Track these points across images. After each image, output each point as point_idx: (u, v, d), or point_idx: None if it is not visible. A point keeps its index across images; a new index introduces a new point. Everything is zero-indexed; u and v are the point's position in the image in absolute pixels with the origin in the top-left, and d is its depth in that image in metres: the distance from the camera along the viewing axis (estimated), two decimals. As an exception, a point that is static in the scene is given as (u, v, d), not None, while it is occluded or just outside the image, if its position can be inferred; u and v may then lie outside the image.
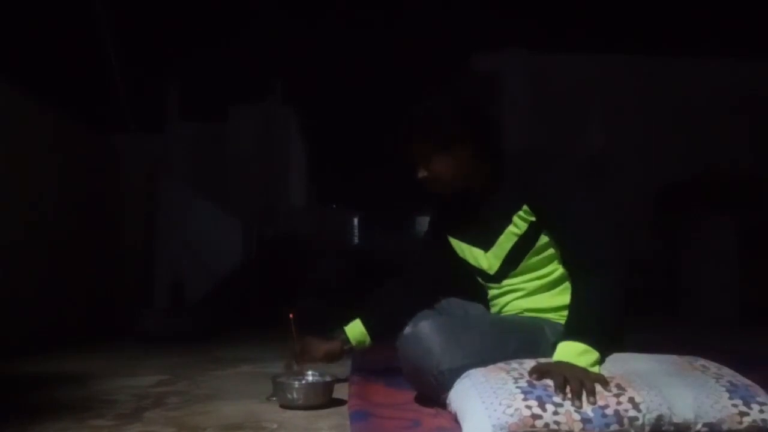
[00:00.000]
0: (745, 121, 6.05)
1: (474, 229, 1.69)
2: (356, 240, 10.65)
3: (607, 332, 1.37)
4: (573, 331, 1.38)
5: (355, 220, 10.84)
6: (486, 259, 1.68)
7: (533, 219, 1.55)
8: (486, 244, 1.67)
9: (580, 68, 6.21)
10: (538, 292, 1.62)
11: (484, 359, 1.41)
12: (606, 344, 1.36)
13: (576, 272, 1.49)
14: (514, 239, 1.59)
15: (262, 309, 4.75)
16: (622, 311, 1.42)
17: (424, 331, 1.48)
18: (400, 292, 1.89)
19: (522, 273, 1.63)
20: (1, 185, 3.02)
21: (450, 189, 1.63)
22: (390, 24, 8.11)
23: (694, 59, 6.28)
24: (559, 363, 1.31)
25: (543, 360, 1.37)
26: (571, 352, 1.33)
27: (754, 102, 6.00)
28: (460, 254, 1.76)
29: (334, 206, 10.58)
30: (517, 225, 1.57)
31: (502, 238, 1.61)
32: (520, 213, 1.56)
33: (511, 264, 1.62)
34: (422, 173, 1.62)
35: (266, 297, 5.11)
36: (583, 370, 1.27)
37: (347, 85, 8.95)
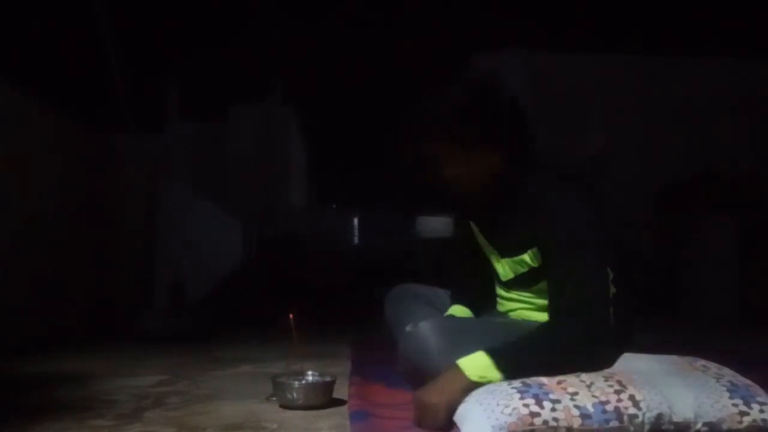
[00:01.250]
0: (745, 121, 6.05)
1: (492, 230, 1.62)
2: (356, 240, 10.66)
3: (526, 371, 1.31)
4: (504, 346, 1.36)
5: (355, 220, 10.85)
6: (499, 265, 1.61)
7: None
8: (501, 250, 1.60)
9: (580, 68, 6.21)
10: (547, 310, 1.54)
11: None
12: (516, 377, 1.31)
13: (551, 311, 1.45)
14: (527, 268, 1.53)
15: (262, 309, 4.75)
16: (566, 364, 1.33)
17: (424, 331, 1.47)
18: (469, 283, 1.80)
19: (533, 292, 1.57)
20: (1, 185, 3.02)
21: (468, 190, 1.54)
22: (390, 24, 8.11)
23: (694, 59, 6.28)
24: (442, 379, 1.35)
25: None
26: (477, 360, 1.33)
27: (754, 102, 6.00)
28: (477, 239, 1.69)
29: (334, 206, 10.59)
30: (532, 259, 1.50)
31: (516, 259, 1.54)
32: (534, 251, 1.49)
33: (521, 284, 1.57)
34: (444, 174, 1.51)
35: (266, 297, 5.11)
36: (434, 405, 1.32)
37: (347, 85, 8.94)
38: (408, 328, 1.53)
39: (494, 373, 1.31)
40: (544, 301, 1.54)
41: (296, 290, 5.34)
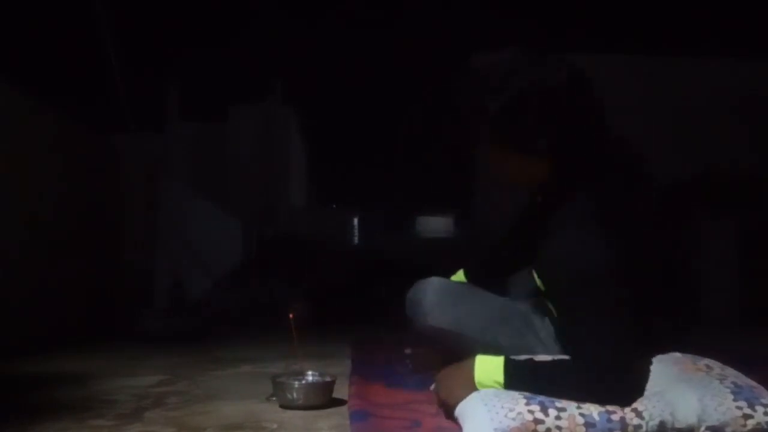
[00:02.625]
0: (745, 121, 6.05)
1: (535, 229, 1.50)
2: (356, 240, 10.66)
3: (530, 389, 1.26)
4: (522, 360, 1.34)
5: (355, 220, 10.84)
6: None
7: None
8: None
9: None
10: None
11: (467, 330, 1.52)
12: (517, 388, 1.27)
13: (570, 347, 1.33)
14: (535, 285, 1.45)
15: (262, 309, 4.75)
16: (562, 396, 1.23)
17: (425, 285, 1.60)
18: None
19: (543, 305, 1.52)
20: (1, 185, 3.02)
21: (525, 186, 1.44)
22: (390, 24, 8.11)
23: (694, 59, 6.28)
24: (457, 369, 1.38)
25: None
26: (491, 363, 1.32)
27: (754, 102, 5.99)
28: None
29: (334, 206, 10.58)
30: (540, 283, 1.42)
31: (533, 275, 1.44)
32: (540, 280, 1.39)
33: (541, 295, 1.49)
34: (489, 166, 1.41)
35: (266, 297, 5.11)
36: (453, 391, 1.34)
37: (347, 85, 8.95)
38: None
39: (496, 386, 1.30)
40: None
41: (296, 290, 5.34)
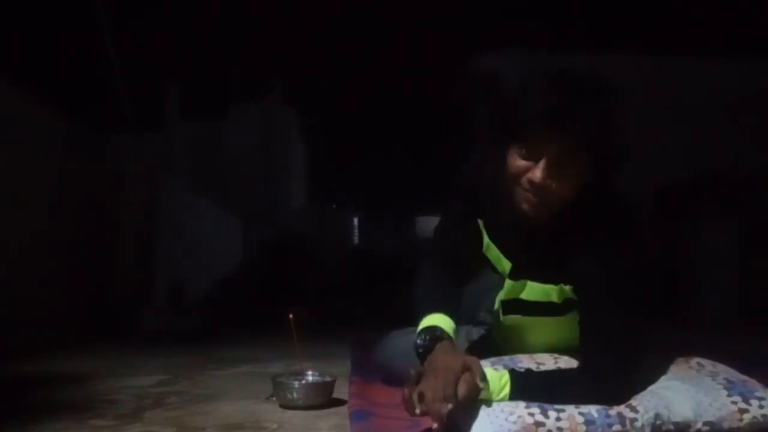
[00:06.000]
0: (745, 121, 6.05)
1: (515, 243, 1.44)
2: (356, 240, 10.67)
3: (534, 398, 1.23)
4: (524, 371, 1.31)
5: (355, 220, 10.85)
6: (510, 283, 1.46)
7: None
8: (521, 268, 1.43)
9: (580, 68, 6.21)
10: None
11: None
12: (522, 398, 1.24)
13: (586, 352, 1.31)
14: (545, 298, 1.39)
15: (262, 309, 4.75)
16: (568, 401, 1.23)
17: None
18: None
19: (531, 323, 1.46)
20: (1, 185, 3.02)
21: (550, 206, 1.29)
22: (390, 24, 8.12)
23: (694, 59, 6.29)
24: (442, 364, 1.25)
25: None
26: (497, 379, 1.25)
27: (754, 102, 6.00)
28: (485, 245, 1.53)
29: (334, 206, 10.59)
30: (558, 295, 1.37)
31: (535, 285, 1.40)
32: (560, 287, 1.36)
33: (524, 309, 1.44)
34: (550, 181, 1.26)
35: (266, 297, 5.11)
36: (443, 386, 1.20)
37: (347, 85, 8.96)
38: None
39: (501, 398, 1.25)
40: (540, 339, 1.45)
41: (296, 290, 5.34)
